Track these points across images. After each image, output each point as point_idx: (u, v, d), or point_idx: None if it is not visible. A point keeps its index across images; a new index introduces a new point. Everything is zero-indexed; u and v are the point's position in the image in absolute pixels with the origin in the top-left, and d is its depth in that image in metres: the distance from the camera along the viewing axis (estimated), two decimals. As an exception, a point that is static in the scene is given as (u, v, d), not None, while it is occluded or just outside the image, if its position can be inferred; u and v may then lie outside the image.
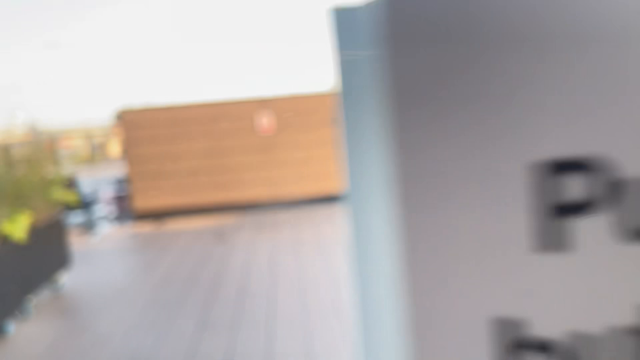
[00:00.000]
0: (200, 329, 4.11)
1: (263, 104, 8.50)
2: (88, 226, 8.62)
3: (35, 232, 4.76)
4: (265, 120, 8.48)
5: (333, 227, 7.09)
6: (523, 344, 0.78)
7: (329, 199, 8.62)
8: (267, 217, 8.08)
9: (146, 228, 8.08)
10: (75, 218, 9.11)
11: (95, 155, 20.65)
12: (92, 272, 5.96)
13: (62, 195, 5.29)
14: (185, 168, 8.49)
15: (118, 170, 15.03)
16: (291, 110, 8.54)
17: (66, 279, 5.60)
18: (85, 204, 8.77)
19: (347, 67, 0.83)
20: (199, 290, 5.05)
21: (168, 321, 4.33)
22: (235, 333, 4.00)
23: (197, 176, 8.51)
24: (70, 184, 6.21)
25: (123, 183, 9.92)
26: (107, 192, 9.88)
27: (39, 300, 5.05)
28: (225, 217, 8.37)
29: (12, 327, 4.38)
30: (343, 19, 0.81)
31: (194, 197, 8.53)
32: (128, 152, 8.43)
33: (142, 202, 8.47)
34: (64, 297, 5.16)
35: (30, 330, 4.38)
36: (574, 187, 0.75)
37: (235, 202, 8.58)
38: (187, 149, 8.47)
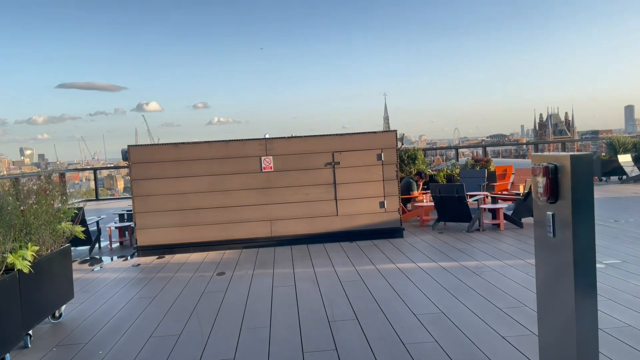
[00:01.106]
0: (198, 365, 3.93)
1: (265, 144, 8.48)
2: (92, 257, 8.44)
3: (39, 264, 4.61)
4: (266, 160, 8.44)
5: (329, 264, 6.95)
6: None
7: (325, 237, 8.50)
8: (267, 253, 7.93)
9: (149, 260, 7.90)
10: (80, 249, 8.95)
11: (102, 188, 20.53)
12: (93, 303, 5.77)
13: (69, 228, 5.17)
14: (190, 204, 8.38)
15: (124, 204, 14.89)
16: (290, 151, 8.52)
17: (67, 309, 5.42)
18: (90, 236, 8.62)
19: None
20: (199, 323, 4.87)
21: (168, 357, 4.14)
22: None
23: (200, 212, 8.40)
24: (77, 216, 6.09)
25: (128, 216, 9.79)
26: (112, 225, 9.74)
27: (37, 330, 4.86)
28: (226, 253, 8.21)
29: (8, 358, 4.18)
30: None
31: (196, 232, 8.39)
32: (134, 187, 8.34)
33: (145, 235, 8.32)
34: (63, 328, 4.96)
35: (29, 362, 4.18)
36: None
37: (236, 238, 8.44)
38: (192, 186, 8.39)
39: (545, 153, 2.92)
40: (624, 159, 15.30)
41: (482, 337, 4.13)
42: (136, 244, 8.33)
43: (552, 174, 2.69)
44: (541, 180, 2.75)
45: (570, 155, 2.58)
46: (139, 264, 7.72)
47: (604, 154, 17.28)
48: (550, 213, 2.76)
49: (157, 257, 8.17)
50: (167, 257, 8.09)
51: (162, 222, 8.34)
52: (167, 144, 8.46)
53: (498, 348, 3.91)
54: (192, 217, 8.40)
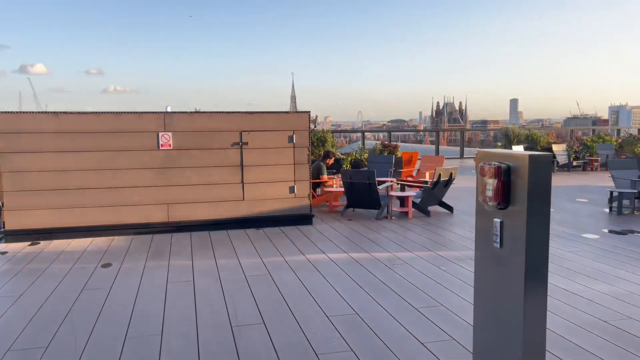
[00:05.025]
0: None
1: (163, 118, 7.55)
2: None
3: None
4: (165, 137, 7.53)
5: (233, 254, 6.31)
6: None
7: (229, 223, 7.83)
8: (163, 241, 7.10)
9: (18, 248, 6.74)
10: None
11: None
12: (-63, 305, 4.66)
13: None
14: (72, 183, 7.27)
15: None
16: (193, 128, 7.68)
17: None
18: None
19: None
20: (77, 327, 4.04)
21: (26, 378, 3.31)
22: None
23: (86, 192, 7.32)
24: None
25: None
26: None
27: None
28: (115, 239, 7.24)
29: None
30: None
31: (80, 215, 7.31)
32: (2, 161, 7.05)
33: (16, 218, 7.10)
34: None
35: None
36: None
37: (128, 223, 7.48)
38: (76, 162, 7.27)
39: (495, 150, 2.52)
40: (517, 149, 16.14)
41: (402, 345, 3.77)
42: (3, 227, 7.09)
43: (505, 175, 2.29)
44: (491, 182, 2.35)
45: (529, 155, 2.19)
46: (5, 252, 6.55)
47: (499, 143, 18.16)
48: (498, 220, 2.37)
49: (29, 243, 7.01)
50: (43, 244, 6.97)
51: (37, 203, 7.17)
52: (45, 112, 7.24)
53: (419, 357, 3.57)
54: (75, 198, 7.30)
